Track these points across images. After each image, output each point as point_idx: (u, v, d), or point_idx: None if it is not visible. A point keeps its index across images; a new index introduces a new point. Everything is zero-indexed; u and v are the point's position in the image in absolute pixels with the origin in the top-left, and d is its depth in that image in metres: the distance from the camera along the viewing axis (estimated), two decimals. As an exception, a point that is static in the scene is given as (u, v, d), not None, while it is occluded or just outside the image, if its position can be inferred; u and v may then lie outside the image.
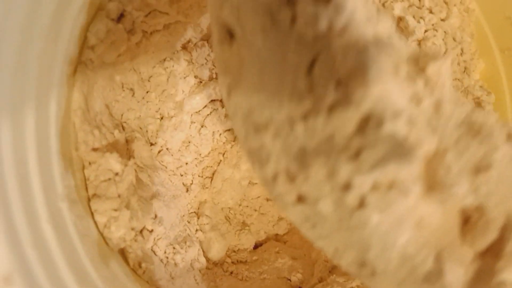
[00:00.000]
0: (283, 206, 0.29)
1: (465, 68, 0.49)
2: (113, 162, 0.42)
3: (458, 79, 0.50)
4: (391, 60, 0.25)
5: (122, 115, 0.48)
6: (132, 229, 0.44)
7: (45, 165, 0.33)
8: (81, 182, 0.40)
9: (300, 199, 0.27)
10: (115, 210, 0.41)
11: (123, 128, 0.48)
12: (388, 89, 0.25)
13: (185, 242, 0.53)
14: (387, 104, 0.24)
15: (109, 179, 0.42)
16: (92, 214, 0.41)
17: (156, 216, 0.49)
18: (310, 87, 0.26)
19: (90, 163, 0.42)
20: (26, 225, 0.29)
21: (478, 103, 0.50)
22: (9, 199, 0.29)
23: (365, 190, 0.24)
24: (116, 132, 0.45)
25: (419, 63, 0.30)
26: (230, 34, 0.33)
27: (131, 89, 0.48)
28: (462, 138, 0.28)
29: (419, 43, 0.49)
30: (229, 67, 0.34)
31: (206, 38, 0.50)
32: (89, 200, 0.41)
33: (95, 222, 0.41)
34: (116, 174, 0.42)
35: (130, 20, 0.41)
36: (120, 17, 0.41)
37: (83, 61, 0.39)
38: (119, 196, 0.42)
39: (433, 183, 0.27)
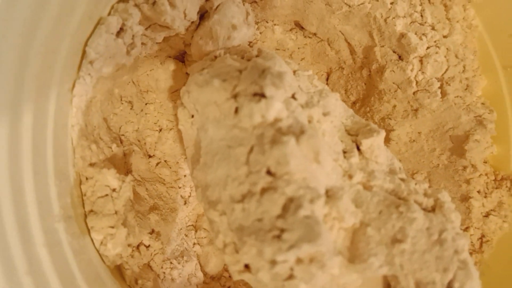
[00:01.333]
0: (234, 273, 0.32)
1: (467, 85, 0.49)
2: (110, 178, 0.41)
3: (460, 97, 0.49)
4: (313, 149, 0.31)
5: (120, 127, 0.47)
6: (129, 245, 0.44)
7: (41, 186, 0.32)
8: (77, 199, 0.39)
9: (246, 267, 0.30)
10: (112, 227, 0.41)
11: (121, 142, 0.48)
12: (310, 175, 0.30)
13: (183, 257, 0.52)
14: (307, 189, 0.30)
15: (106, 195, 0.41)
16: (88, 231, 0.40)
17: (153, 231, 0.48)
18: (248, 173, 0.31)
19: (87, 179, 0.41)
20: (21, 251, 0.29)
21: (480, 121, 0.49)
22: (4, 225, 0.28)
23: (291, 264, 0.28)
24: (114, 146, 0.45)
25: (355, 140, 0.38)
26: (191, 115, 0.39)
27: (130, 102, 0.47)
28: (384, 212, 0.33)
29: (421, 60, 0.48)
30: (192, 143, 0.40)
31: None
32: (85, 216, 0.40)
33: (92, 239, 0.40)
34: (114, 190, 0.42)
35: (130, 34, 0.41)
36: (120, 31, 0.40)
37: (81, 76, 0.38)
38: (116, 212, 0.41)
39: (354, 255, 0.31)
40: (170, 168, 0.54)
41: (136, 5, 0.41)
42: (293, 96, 0.36)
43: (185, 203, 0.56)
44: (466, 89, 0.49)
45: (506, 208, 0.50)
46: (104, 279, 0.41)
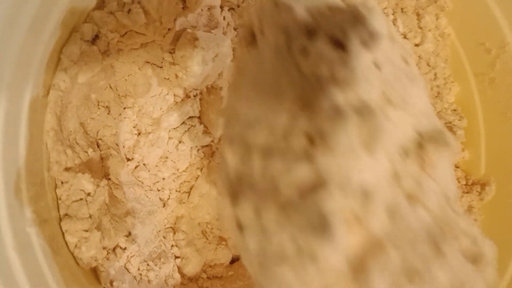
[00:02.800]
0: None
1: (438, 93, 0.50)
2: (85, 182, 0.42)
3: (431, 104, 0.50)
4: (362, 137, 0.25)
5: (97, 132, 0.48)
6: (104, 248, 0.45)
7: (11, 191, 0.33)
8: (52, 202, 0.40)
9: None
10: (86, 230, 0.42)
11: (98, 146, 0.48)
12: (346, 164, 0.25)
13: (160, 259, 0.53)
14: (336, 176, 0.25)
15: (81, 199, 0.42)
16: (63, 234, 0.41)
17: (129, 234, 0.49)
18: (288, 129, 0.26)
19: (62, 183, 0.42)
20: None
21: (450, 128, 0.50)
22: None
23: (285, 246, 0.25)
24: (90, 150, 0.46)
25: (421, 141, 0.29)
26: (253, 37, 0.34)
27: (107, 107, 0.48)
28: (418, 242, 0.26)
29: (394, 67, 0.49)
30: (242, 68, 0.34)
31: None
32: (60, 220, 0.41)
33: (66, 242, 0.41)
34: (88, 194, 0.43)
35: (105, 42, 0.42)
36: (95, 38, 0.41)
37: (56, 82, 0.39)
38: (90, 216, 0.42)
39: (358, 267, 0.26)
40: (149, 171, 0.55)
41: (111, 13, 0.42)
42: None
43: (164, 206, 0.57)
44: (437, 96, 0.50)
45: (476, 212, 0.51)
46: (80, 281, 0.42)
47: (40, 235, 0.36)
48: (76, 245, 0.42)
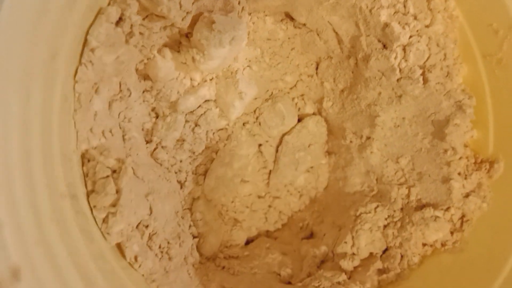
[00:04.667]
0: None
1: (448, 72, 0.51)
2: (111, 160, 0.43)
3: (441, 83, 0.52)
4: None
5: (119, 114, 0.50)
6: (129, 224, 0.46)
7: (48, 164, 0.35)
8: (80, 179, 0.42)
9: None
10: (113, 206, 0.43)
11: (120, 127, 0.50)
12: None
13: (179, 237, 0.55)
14: None
15: (107, 176, 0.44)
16: (91, 209, 0.43)
17: (151, 212, 0.51)
18: None
19: (89, 161, 0.44)
20: (31, 223, 0.31)
21: (459, 106, 0.52)
22: (16, 198, 0.30)
23: None
24: (114, 130, 0.47)
25: None
26: None
27: (128, 89, 0.49)
28: None
29: (404, 48, 0.51)
30: None
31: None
32: (88, 196, 0.43)
33: (94, 217, 0.43)
34: (114, 171, 0.44)
35: (129, 24, 0.43)
36: (119, 20, 0.43)
37: (83, 63, 0.41)
38: (117, 192, 0.44)
39: None
40: (167, 153, 0.56)
41: (135, -4, 0.43)
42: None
43: (181, 187, 0.59)
44: (446, 76, 0.52)
45: (485, 189, 0.52)
46: (107, 256, 0.44)
47: (73, 209, 0.37)
48: (103, 220, 0.43)
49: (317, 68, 0.62)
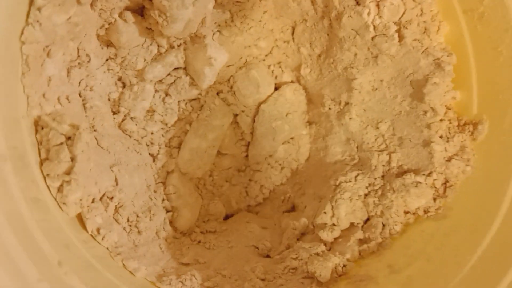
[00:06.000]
0: None
1: (425, 28, 0.48)
2: (65, 126, 0.41)
3: (418, 40, 0.49)
4: None
5: (80, 81, 0.48)
6: (89, 195, 0.44)
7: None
8: (32, 146, 0.40)
9: None
10: (67, 173, 0.41)
11: (81, 95, 0.48)
12: None
13: (150, 211, 0.53)
14: None
15: (61, 143, 0.42)
16: (44, 179, 0.41)
17: (117, 184, 0.49)
18: None
19: (42, 128, 0.42)
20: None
21: (438, 64, 0.49)
22: None
23: None
24: (72, 97, 0.45)
25: None
26: None
27: (88, 55, 0.47)
28: None
29: (377, 4, 0.48)
30: None
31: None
32: (41, 164, 0.41)
33: (48, 187, 0.41)
34: (69, 138, 0.42)
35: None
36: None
37: (30, 23, 0.39)
38: (72, 159, 0.42)
39: None
40: (136, 124, 0.54)
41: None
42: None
43: (154, 160, 0.57)
44: (424, 32, 0.49)
45: (469, 152, 0.50)
46: (64, 229, 0.42)
47: (13, 172, 0.35)
48: (58, 189, 0.41)
49: (293, 33, 0.59)
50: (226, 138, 0.61)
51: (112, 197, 0.48)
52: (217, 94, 0.59)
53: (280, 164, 0.63)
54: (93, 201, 0.45)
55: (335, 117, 0.58)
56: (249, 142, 0.62)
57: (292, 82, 0.61)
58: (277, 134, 0.59)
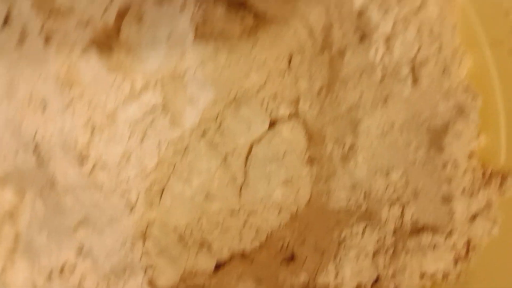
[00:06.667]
0: None
1: (445, 67, 0.42)
2: (7, 195, 0.35)
3: (437, 81, 0.42)
4: None
5: (36, 132, 0.41)
6: (42, 271, 0.38)
7: None
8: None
9: None
10: (12, 252, 0.35)
11: (38, 148, 0.41)
12: None
13: (125, 272, 0.46)
14: None
15: (4, 215, 0.35)
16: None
17: (82, 249, 0.43)
18: None
19: (-19, 197, 0.35)
20: None
21: (461, 110, 0.42)
22: None
23: None
24: (23, 154, 0.39)
25: None
26: None
27: (44, 100, 0.41)
28: None
29: (387, 40, 0.41)
30: None
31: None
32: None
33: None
34: (13, 208, 0.36)
35: (20, 23, 0.34)
36: (6, 20, 0.34)
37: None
38: (17, 235, 0.35)
39: None
40: (109, 171, 0.48)
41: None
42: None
43: (131, 210, 0.50)
44: (443, 72, 0.42)
45: (495, 209, 0.44)
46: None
47: None
48: (2, 271, 0.35)
49: (289, 63, 0.52)
50: (215, 180, 0.54)
51: (75, 266, 0.41)
52: (204, 132, 0.52)
53: (278, 206, 0.57)
54: (50, 276, 0.39)
55: (339, 160, 0.51)
56: (242, 183, 0.55)
57: (289, 116, 0.54)
58: (272, 178, 0.53)
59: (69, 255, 0.41)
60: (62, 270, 0.40)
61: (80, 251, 0.42)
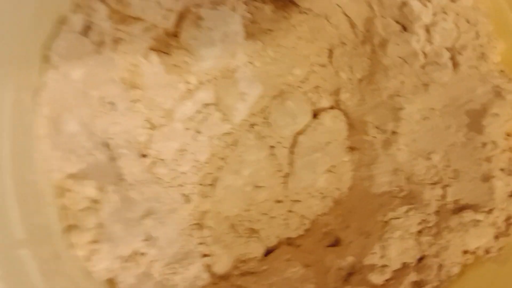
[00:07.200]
0: None
1: (482, 53, 0.43)
2: (91, 189, 0.38)
3: (474, 67, 0.44)
4: None
5: (104, 130, 0.44)
6: (118, 257, 0.41)
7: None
8: (54, 214, 0.37)
9: None
10: (95, 241, 0.38)
11: (107, 146, 0.45)
12: None
13: (186, 259, 0.50)
14: None
15: (88, 207, 0.38)
16: (70, 246, 0.38)
17: (149, 237, 0.46)
18: None
19: (66, 191, 0.38)
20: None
21: (498, 92, 0.44)
22: None
23: None
24: (97, 152, 0.42)
25: None
26: None
27: (111, 102, 0.44)
28: None
29: (427, 29, 0.43)
30: None
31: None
32: (66, 232, 0.38)
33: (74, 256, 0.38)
34: (95, 201, 0.39)
35: (98, 32, 0.37)
36: (86, 28, 0.37)
37: (46, 82, 0.35)
38: (99, 225, 0.38)
39: None
40: (167, 166, 0.51)
41: (101, -1, 0.37)
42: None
43: (186, 201, 0.53)
44: (480, 57, 0.44)
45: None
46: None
47: (35, 258, 0.32)
48: (86, 258, 0.38)
49: (330, 56, 0.54)
50: (262, 170, 0.57)
51: (144, 253, 0.44)
52: (251, 126, 0.55)
53: (321, 193, 0.59)
54: (124, 262, 0.42)
55: (381, 146, 0.53)
56: (287, 173, 0.58)
57: (331, 107, 0.57)
58: (317, 166, 0.55)
59: (139, 243, 0.44)
60: (134, 257, 0.44)
61: (147, 239, 0.45)
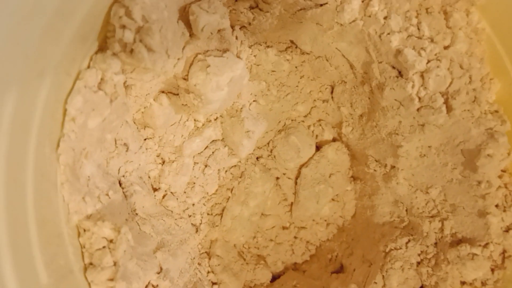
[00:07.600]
0: None
1: (475, 97, 0.45)
2: (106, 230, 0.41)
3: (468, 110, 0.46)
4: None
5: (119, 169, 0.47)
6: (133, 291, 0.44)
7: (22, 259, 0.32)
8: (75, 253, 0.40)
9: None
10: (111, 279, 0.41)
11: (120, 184, 0.47)
12: None
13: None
14: None
15: (104, 247, 0.41)
16: (89, 284, 0.40)
17: (161, 270, 0.48)
18: None
19: (84, 230, 0.41)
20: None
21: (491, 134, 0.46)
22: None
23: None
24: (111, 192, 0.44)
25: None
26: None
27: (125, 144, 0.47)
28: None
29: (422, 75, 0.45)
30: None
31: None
32: (85, 270, 0.40)
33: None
34: (110, 241, 0.41)
35: (111, 85, 0.40)
36: (101, 81, 0.40)
37: (65, 133, 0.38)
38: (114, 264, 0.41)
39: None
40: (177, 199, 0.54)
41: (114, 54, 0.40)
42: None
43: (196, 231, 0.56)
44: (474, 101, 0.46)
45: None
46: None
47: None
48: (103, 295, 0.41)
49: (332, 92, 0.57)
50: (269, 200, 0.59)
51: (157, 285, 0.47)
52: (257, 159, 0.58)
53: (325, 221, 0.62)
54: (138, 295, 0.45)
55: (381, 179, 0.55)
56: (291, 202, 0.60)
57: (333, 139, 0.59)
58: (321, 197, 0.57)
59: (152, 277, 0.47)
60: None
61: (159, 272, 0.48)
